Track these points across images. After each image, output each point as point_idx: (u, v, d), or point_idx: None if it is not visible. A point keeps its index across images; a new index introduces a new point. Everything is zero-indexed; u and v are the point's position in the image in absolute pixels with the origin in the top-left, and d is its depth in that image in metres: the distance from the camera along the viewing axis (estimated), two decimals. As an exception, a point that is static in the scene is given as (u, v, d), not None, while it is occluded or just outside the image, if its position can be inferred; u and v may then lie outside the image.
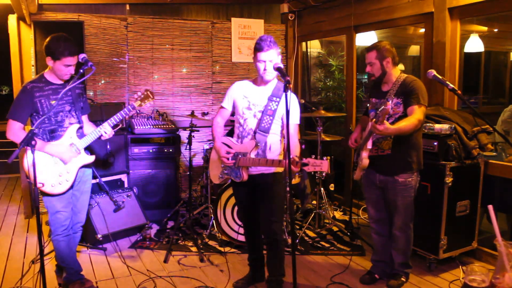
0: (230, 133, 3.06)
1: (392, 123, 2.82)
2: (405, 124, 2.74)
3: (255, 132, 2.82)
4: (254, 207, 3.04)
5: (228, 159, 2.83)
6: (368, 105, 3.20)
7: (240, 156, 2.81)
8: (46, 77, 2.81)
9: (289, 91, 2.51)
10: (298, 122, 2.88)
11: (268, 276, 3.07)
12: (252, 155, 2.78)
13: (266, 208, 2.92)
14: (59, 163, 2.83)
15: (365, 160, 2.93)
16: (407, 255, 3.11)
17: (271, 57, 2.69)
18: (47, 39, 2.72)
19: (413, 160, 2.93)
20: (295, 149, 2.77)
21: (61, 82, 2.84)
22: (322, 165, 2.43)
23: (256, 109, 2.83)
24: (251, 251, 3.22)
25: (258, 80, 2.87)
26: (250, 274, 3.23)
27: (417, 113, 2.78)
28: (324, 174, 2.45)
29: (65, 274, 3.06)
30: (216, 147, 2.94)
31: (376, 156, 2.98)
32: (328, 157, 2.54)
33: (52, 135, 2.82)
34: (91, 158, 2.99)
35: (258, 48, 2.69)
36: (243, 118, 2.87)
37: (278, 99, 2.80)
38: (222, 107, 2.98)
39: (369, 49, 2.96)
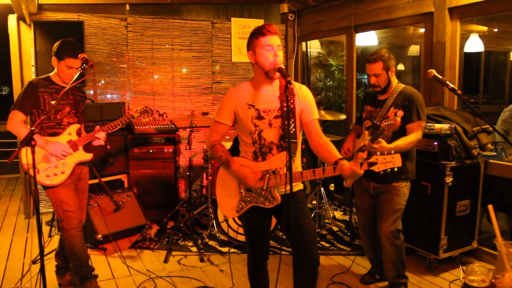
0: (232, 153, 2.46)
1: (390, 135, 2.82)
2: (402, 143, 2.69)
3: (283, 142, 2.29)
4: (269, 234, 2.60)
5: (262, 187, 2.27)
6: (363, 113, 3.11)
7: (268, 175, 2.26)
8: (52, 78, 2.91)
9: (297, 85, 2.35)
10: (318, 116, 2.41)
11: None
12: (286, 170, 2.21)
13: (305, 234, 2.33)
14: None
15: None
16: (399, 270, 2.98)
17: (278, 43, 2.21)
18: (58, 42, 2.86)
19: (407, 170, 2.90)
20: (332, 147, 2.30)
21: (65, 84, 2.90)
22: (394, 161, 2.07)
23: (269, 116, 2.28)
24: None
25: (260, 78, 2.29)
26: None
27: (417, 132, 2.75)
28: (396, 169, 2.20)
29: (78, 275, 2.98)
30: (237, 170, 2.29)
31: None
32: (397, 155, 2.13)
33: (51, 131, 2.89)
34: (88, 156, 3.01)
35: (262, 33, 2.18)
36: (257, 131, 2.28)
37: (291, 104, 2.28)
38: (218, 122, 2.36)
39: (373, 60, 2.84)
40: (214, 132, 2.39)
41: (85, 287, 2.95)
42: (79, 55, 2.80)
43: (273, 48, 2.19)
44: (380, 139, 2.58)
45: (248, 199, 2.34)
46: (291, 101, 2.28)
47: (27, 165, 2.60)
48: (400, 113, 2.81)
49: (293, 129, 2.26)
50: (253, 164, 2.31)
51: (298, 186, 2.37)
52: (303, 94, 2.34)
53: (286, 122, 2.26)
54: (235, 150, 2.46)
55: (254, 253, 2.49)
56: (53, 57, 2.85)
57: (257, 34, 2.20)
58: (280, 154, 2.27)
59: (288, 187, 2.11)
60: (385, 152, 2.19)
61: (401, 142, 2.70)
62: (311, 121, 2.34)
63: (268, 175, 2.26)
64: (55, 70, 2.89)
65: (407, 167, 2.90)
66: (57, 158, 2.85)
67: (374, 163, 2.10)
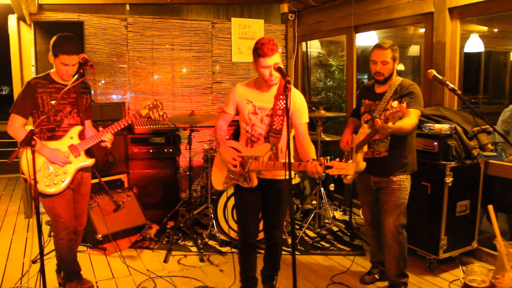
0: (235, 134, 2.99)
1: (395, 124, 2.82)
2: (406, 123, 2.68)
3: (267, 135, 2.69)
4: (257, 215, 2.91)
5: (235, 166, 2.72)
6: (360, 107, 3.10)
7: (251, 160, 2.69)
8: (51, 76, 2.81)
9: (292, 89, 2.56)
10: (307, 120, 2.74)
11: (264, 268, 3.05)
12: (265, 159, 2.66)
13: (273, 215, 2.86)
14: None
15: (361, 164, 2.91)
16: (401, 267, 2.99)
17: (276, 61, 2.54)
18: (54, 36, 2.74)
19: (408, 162, 2.91)
20: (311, 149, 2.64)
21: (65, 82, 2.80)
22: (347, 168, 2.31)
23: (263, 113, 2.69)
24: (247, 268, 2.96)
25: (262, 84, 2.70)
26: None
27: (414, 116, 2.75)
28: (348, 177, 2.35)
29: (63, 274, 3.06)
30: (221, 152, 2.81)
31: (372, 158, 2.95)
32: (352, 163, 2.36)
33: (50, 134, 2.79)
34: (90, 161, 2.92)
35: (261, 54, 2.51)
36: (250, 124, 2.72)
37: (283, 103, 2.66)
38: (224, 111, 2.84)
39: (384, 47, 2.81)
40: (221, 118, 2.89)
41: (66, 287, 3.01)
42: (79, 54, 2.71)
43: (270, 68, 2.54)
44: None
45: (232, 176, 2.79)
46: (285, 102, 2.52)
47: (28, 177, 2.44)
48: (406, 99, 2.79)
49: (280, 126, 2.66)
50: (242, 148, 2.78)
51: (283, 176, 2.68)
52: (295, 100, 2.68)
53: (276, 119, 2.66)
54: (236, 134, 2.94)
55: (242, 232, 2.89)
56: (50, 53, 2.73)
57: (259, 53, 2.52)
58: (264, 144, 2.71)
59: (270, 175, 2.71)
60: (387, 131, 2.55)
61: (405, 122, 2.67)
62: (299, 124, 2.70)
63: (250, 160, 2.68)
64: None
65: (408, 158, 2.91)
66: (57, 165, 2.76)
67: (330, 167, 2.34)
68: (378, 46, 2.86)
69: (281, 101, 2.65)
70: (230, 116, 2.84)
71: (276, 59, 2.53)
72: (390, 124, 2.52)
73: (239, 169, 2.72)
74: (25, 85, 2.78)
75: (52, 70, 2.83)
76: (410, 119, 2.73)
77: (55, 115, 2.79)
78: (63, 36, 2.71)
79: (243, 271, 2.96)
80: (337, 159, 2.34)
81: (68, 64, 2.70)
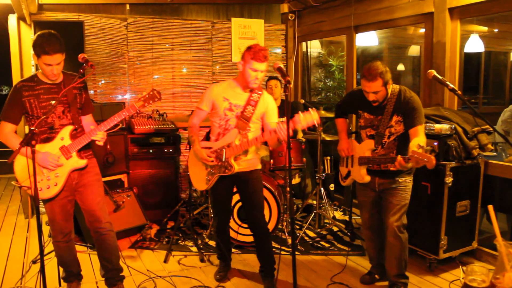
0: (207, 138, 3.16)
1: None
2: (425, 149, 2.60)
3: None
4: (230, 205, 3.31)
5: (212, 160, 2.94)
6: (360, 119, 3.02)
7: (224, 149, 2.90)
8: (39, 76, 2.69)
9: (264, 94, 2.95)
10: (277, 120, 2.99)
11: (261, 267, 3.18)
12: (237, 143, 2.87)
13: (254, 203, 3.05)
14: None
15: (366, 178, 2.93)
16: (402, 267, 2.99)
17: (264, 69, 2.82)
18: (35, 35, 2.60)
19: None
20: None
21: (53, 82, 2.70)
22: (312, 116, 2.55)
23: (238, 110, 2.92)
24: (224, 246, 3.28)
25: (242, 84, 2.92)
26: (223, 264, 3.35)
27: (422, 133, 2.74)
28: (317, 125, 2.67)
29: (64, 274, 3.06)
30: (196, 150, 2.99)
31: (379, 170, 2.94)
32: (315, 109, 2.65)
33: (43, 137, 2.70)
34: (82, 162, 2.76)
35: (256, 58, 2.75)
36: (225, 119, 2.94)
37: (257, 96, 2.95)
38: (199, 108, 3.00)
39: (373, 78, 2.68)
40: (195, 116, 3.05)
41: (66, 286, 3.03)
42: (63, 53, 2.58)
43: (257, 72, 2.80)
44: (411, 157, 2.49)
45: (213, 171, 2.98)
46: (256, 103, 2.91)
47: (27, 187, 2.41)
48: (401, 120, 2.81)
49: (250, 114, 2.90)
50: (211, 144, 2.99)
51: (255, 166, 3.04)
52: (268, 102, 2.98)
53: (248, 108, 2.91)
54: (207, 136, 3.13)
55: (218, 219, 3.19)
56: (32, 53, 2.56)
57: (254, 56, 2.75)
58: (230, 132, 2.92)
59: (242, 166, 2.96)
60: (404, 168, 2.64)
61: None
62: (270, 123, 2.97)
63: (224, 149, 2.90)
64: None
65: None
66: (48, 169, 2.66)
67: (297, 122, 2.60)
68: (365, 78, 2.72)
69: (251, 98, 2.93)
70: (204, 112, 3.00)
71: (265, 67, 2.81)
72: (410, 164, 2.54)
73: (217, 161, 2.94)
74: (11, 89, 2.67)
75: (39, 71, 2.71)
76: (422, 138, 2.70)
77: (46, 118, 2.66)
78: (43, 35, 2.53)
79: (220, 247, 3.29)
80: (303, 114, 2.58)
81: (51, 64, 2.55)
